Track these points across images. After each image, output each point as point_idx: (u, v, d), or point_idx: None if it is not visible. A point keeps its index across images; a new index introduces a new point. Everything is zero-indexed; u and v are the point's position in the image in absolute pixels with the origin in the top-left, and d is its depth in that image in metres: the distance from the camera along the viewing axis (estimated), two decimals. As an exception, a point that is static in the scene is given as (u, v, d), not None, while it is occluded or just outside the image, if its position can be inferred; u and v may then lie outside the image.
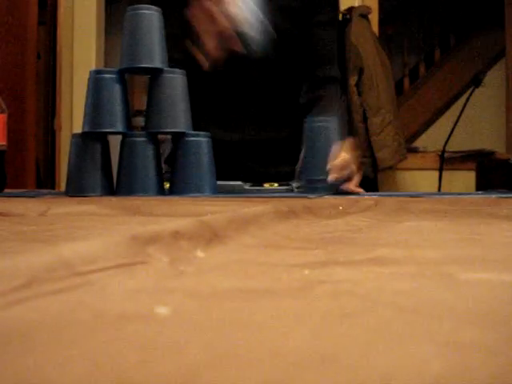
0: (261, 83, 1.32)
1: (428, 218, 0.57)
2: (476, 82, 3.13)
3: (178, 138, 1.01)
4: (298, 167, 1.19)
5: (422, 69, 4.27)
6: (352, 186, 1.10)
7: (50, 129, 3.34)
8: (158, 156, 1.01)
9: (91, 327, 0.17)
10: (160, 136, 1.04)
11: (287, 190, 1.13)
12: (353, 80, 2.81)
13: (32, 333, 0.16)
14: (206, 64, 1.09)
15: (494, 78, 3.85)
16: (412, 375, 0.13)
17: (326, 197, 0.93)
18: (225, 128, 1.32)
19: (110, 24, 3.56)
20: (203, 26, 1.05)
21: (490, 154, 3.27)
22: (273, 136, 1.35)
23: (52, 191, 1.33)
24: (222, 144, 1.21)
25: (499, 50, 3.93)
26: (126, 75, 1.01)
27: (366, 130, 2.82)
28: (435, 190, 3.09)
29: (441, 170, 3.18)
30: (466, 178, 3.16)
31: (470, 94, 3.16)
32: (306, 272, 0.26)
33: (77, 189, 0.98)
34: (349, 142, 1.13)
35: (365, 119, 2.82)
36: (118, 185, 0.99)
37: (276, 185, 1.16)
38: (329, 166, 1.04)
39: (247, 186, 1.12)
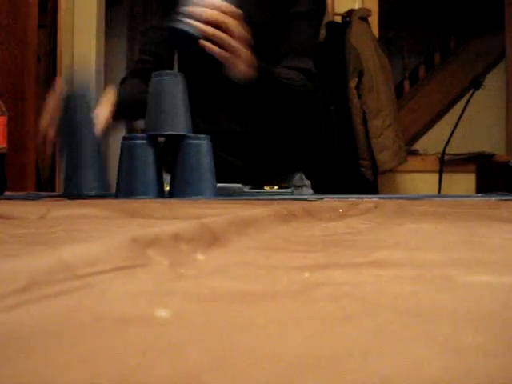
0: None
1: (428, 221, 0.57)
2: (476, 84, 3.14)
3: (178, 140, 1.02)
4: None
5: (421, 71, 4.27)
6: (234, 42, 1.02)
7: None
8: (158, 159, 1.01)
9: (91, 330, 0.17)
10: None
11: (287, 193, 1.13)
12: (353, 82, 2.81)
13: (32, 336, 0.16)
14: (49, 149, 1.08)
15: (493, 80, 3.85)
16: (412, 378, 0.13)
17: (327, 199, 0.92)
18: (204, 119, 1.31)
19: (110, 27, 3.57)
20: None
21: (490, 156, 3.28)
22: (250, 130, 1.34)
23: (52, 193, 1.32)
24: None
25: (499, 53, 3.94)
26: None
27: (366, 132, 2.82)
28: (435, 192, 3.09)
29: (441, 173, 3.18)
30: (466, 181, 3.15)
31: (470, 97, 3.16)
32: (306, 275, 0.26)
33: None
34: None
35: (365, 122, 2.82)
36: (118, 187, 1.00)
37: (276, 188, 1.16)
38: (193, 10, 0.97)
39: (247, 189, 1.12)
